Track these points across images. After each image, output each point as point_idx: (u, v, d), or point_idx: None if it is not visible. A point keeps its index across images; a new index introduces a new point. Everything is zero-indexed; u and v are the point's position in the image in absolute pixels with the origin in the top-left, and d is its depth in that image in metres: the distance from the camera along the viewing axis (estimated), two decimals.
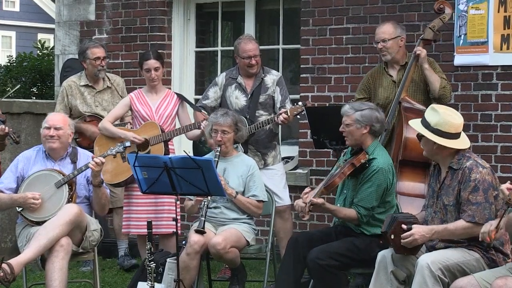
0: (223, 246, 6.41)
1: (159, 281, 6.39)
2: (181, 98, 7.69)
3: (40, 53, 13.54)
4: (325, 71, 8.32)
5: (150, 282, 6.04)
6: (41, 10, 31.19)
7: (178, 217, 6.27)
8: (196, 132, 7.39)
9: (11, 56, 15.13)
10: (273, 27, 9.20)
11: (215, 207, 6.74)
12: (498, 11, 7.50)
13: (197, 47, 9.38)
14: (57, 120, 6.64)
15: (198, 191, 6.10)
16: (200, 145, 7.75)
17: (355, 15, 8.16)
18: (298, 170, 8.45)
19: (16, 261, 6.11)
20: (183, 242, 6.56)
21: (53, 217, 6.30)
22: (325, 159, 8.22)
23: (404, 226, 5.50)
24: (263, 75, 7.50)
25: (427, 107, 6.80)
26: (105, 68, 8.22)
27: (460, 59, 7.69)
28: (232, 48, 8.07)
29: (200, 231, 6.44)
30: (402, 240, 5.47)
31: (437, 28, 7.01)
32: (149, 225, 6.08)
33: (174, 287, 6.15)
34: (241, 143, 7.08)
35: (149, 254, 6.04)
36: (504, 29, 7.48)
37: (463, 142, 5.58)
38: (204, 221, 6.47)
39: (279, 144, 7.79)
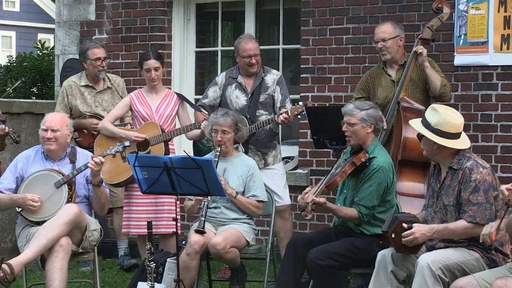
0: (223, 246, 6.41)
1: (159, 281, 6.39)
2: (181, 98, 7.69)
3: (40, 53, 13.53)
4: (325, 71, 8.32)
5: (150, 282, 6.04)
6: (41, 10, 31.19)
7: (178, 217, 6.27)
8: (196, 132, 7.39)
9: (11, 56, 15.13)
10: (273, 27, 9.20)
11: (215, 207, 6.74)
12: (498, 11, 7.50)
13: (197, 47, 9.38)
14: (54, 121, 6.61)
15: (198, 191, 6.10)
16: (200, 145, 7.75)
17: (355, 15, 8.16)
18: (298, 170, 8.45)
19: (16, 261, 6.11)
20: (183, 242, 6.56)
21: (53, 217, 6.30)
22: (325, 159, 8.22)
23: (404, 225, 5.50)
24: (263, 74, 7.50)
25: (426, 106, 6.84)
26: (105, 68, 8.22)
27: (460, 59, 7.69)
28: (232, 48, 8.07)
29: (200, 231, 6.44)
30: (403, 239, 5.47)
31: (436, 27, 7.01)
32: (149, 225, 6.08)
33: (174, 287, 6.15)
34: (241, 143, 7.07)
35: (149, 254, 6.04)
36: (504, 29, 7.48)
37: (464, 142, 5.58)
38: (204, 221, 6.47)
39: (279, 144, 7.79)
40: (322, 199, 6.01)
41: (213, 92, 7.58)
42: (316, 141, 7.28)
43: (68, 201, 6.44)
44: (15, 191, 6.55)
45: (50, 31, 23.35)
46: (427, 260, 5.33)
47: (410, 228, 5.48)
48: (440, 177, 5.64)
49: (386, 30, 7.05)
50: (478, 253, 5.45)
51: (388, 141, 6.90)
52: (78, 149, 6.83)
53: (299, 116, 7.23)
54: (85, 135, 8.07)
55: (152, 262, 6.04)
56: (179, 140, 8.54)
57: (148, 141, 7.40)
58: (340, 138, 6.81)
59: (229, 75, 7.57)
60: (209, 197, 6.47)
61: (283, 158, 8.09)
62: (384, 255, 5.65)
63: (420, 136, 5.62)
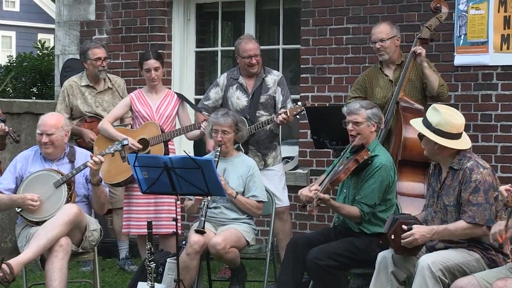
0: (223, 246, 6.40)
1: (159, 281, 6.39)
2: (181, 98, 7.69)
3: (40, 53, 13.53)
4: (325, 71, 8.32)
5: (150, 282, 6.04)
6: (41, 10, 31.19)
7: (179, 217, 6.27)
8: (196, 132, 7.39)
9: (11, 56, 15.12)
10: (273, 27, 9.20)
11: (215, 207, 6.74)
12: (498, 11, 7.50)
13: (197, 47, 9.38)
14: (48, 125, 6.57)
15: (198, 191, 6.10)
16: (203, 149, 7.76)
17: (355, 15, 8.16)
18: (298, 170, 8.45)
19: (16, 261, 6.11)
20: (183, 242, 6.56)
21: (53, 217, 6.30)
22: (325, 159, 8.22)
23: (404, 227, 5.49)
24: (264, 75, 7.50)
25: (424, 106, 6.88)
26: (106, 68, 8.21)
27: (460, 59, 7.69)
28: (232, 48, 8.07)
29: (200, 231, 6.44)
30: (402, 240, 5.47)
31: (434, 27, 7.01)
32: (149, 225, 6.08)
33: (174, 287, 6.15)
34: (241, 144, 7.07)
35: (149, 254, 6.04)
36: (504, 29, 7.48)
37: (464, 143, 5.57)
38: (204, 221, 6.47)
39: (279, 145, 7.78)
40: (327, 196, 6.02)
41: (215, 94, 7.57)
42: (316, 141, 7.28)
43: (68, 201, 6.44)
44: (15, 191, 6.54)
45: (50, 31, 23.35)
46: (428, 261, 5.32)
47: (410, 229, 5.47)
48: (441, 177, 5.63)
49: (383, 30, 7.06)
50: (478, 254, 5.45)
51: (386, 140, 6.90)
52: (77, 149, 6.83)
53: (298, 116, 7.23)
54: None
55: (152, 262, 6.04)
56: (179, 140, 8.54)
57: (148, 141, 7.40)
58: (340, 138, 6.82)
59: (230, 76, 7.57)
60: (209, 197, 6.47)
61: (283, 158, 8.09)
62: (385, 256, 5.65)
63: (421, 136, 5.62)
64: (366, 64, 7.99)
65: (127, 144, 6.93)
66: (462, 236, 5.46)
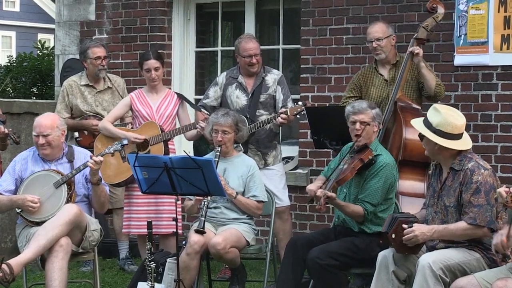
0: (223, 246, 6.40)
1: (159, 281, 6.39)
2: (182, 98, 7.69)
3: (40, 53, 13.52)
4: (325, 71, 8.32)
5: (150, 282, 6.04)
6: (41, 10, 31.18)
7: (179, 217, 6.26)
8: (194, 131, 7.39)
9: (11, 56, 15.12)
10: (273, 27, 9.20)
11: (215, 207, 6.73)
12: (498, 11, 7.50)
13: (197, 47, 9.38)
14: (44, 126, 6.55)
15: (198, 191, 6.09)
16: (202, 147, 7.75)
17: (355, 15, 8.16)
18: (298, 170, 8.45)
19: (16, 262, 6.10)
20: (183, 242, 6.56)
21: (53, 217, 6.30)
22: (325, 159, 8.21)
23: (404, 226, 5.49)
24: (264, 74, 7.50)
25: (420, 106, 6.89)
26: (105, 67, 8.21)
27: (460, 59, 7.69)
28: (232, 48, 8.07)
29: (200, 231, 6.44)
30: (403, 237, 5.47)
31: (431, 27, 7.01)
32: (149, 225, 6.08)
33: (174, 287, 6.15)
34: (241, 143, 7.07)
35: (149, 254, 6.04)
36: (504, 29, 7.48)
37: (465, 143, 5.56)
38: (204, 221, 6.47)
39: (279, 144, 7.78)
40: (333, 194, 6.04)
41: (213, 92, 7.58)
42: (316, 141, 7.28)
43: (68, 201, 6.44)
44: (14, 192, 6.53)
45: (50, 31, 23.34)
46: (428, 260, 5.33)
47: (410, 227, 5.48)
48: (441, 177, 5.63)
49: (380, 29, 7.07)
50: (479, 253, 5.45)
51: (383, 140, 6.89)
52: (76, 148, 6.82)
53: (298, 116, 7.23)
54: (86, 135, 8.07)
55: (152, 262, 6.04)
56: (179, 140, 8.54)
57: (148, 141, 7.40)
58: (340, 138, 6.82)
59: (229, 75, 7.57)
60: (209, 197, 6.47)
61: (283, 158, 8.09)
62: (385, 255, 5.65)
63: (422, 136, 5.62)
64: (366, 64, 7.98)
65: (127, 144, 6.92)
66: (462, 237, 5.45)
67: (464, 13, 7.62)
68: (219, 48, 9.31)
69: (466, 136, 5.60)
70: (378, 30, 7.06)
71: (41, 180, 6.49)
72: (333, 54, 8.28)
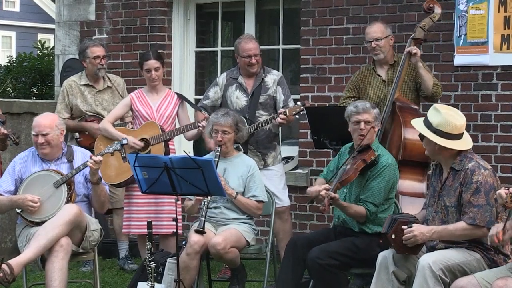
0: (223, 246, 6.40)
1: (159, 281, 6.39)
2: (182, 98, 7.70)
3: (40, 53, 13.52)
4: (325, 71, 8.32)
5: (150, 282, 6.04)
6: (41, 10, 31.18)
7: (179, 217, 6.26)
8: (194, 131, 7.39)
9: (11, 56, 15.12)
10: (273, 27, 9.20)
11: (215, 207, 6.74)
12: (498, 11, 7.50)
13: (197, 47, 9.39)
14: (43, 125, 6.55)
15: (198, 191, 6.09)
16: (202, 149, 7.75)
17: (355, 15, 8.16)
18: (298, 170, 8.45)
19: (16, 262, 6.10)
20: (183, 242, 6.56)
21: (53, 218, 6.30)
22: (325, 159, 8.21)
23: (404, 227, 5.50)
24: (263, 75, 7.50)
25: (418, 105, 6.89)
26: (105, 67, 8.21)
27: (460, 59, 7.70)
28: (232, 48, 8.07)
29: (200, 231, 6.44)
30: (403, 237, 5.47)
31: (428, 27, 7.01)
32: (149, 225, 6.08)
33: (174, 287, 6.15)
34: (241, 143, 7.07)
35: (149, 254, 6.03)
36: (504, 29, 7.48)
37: (465, 143, 5.56)
38: (204, 221, 6.47)
39: (279, 145, 7.78)
40: (337, 195, 6.04)
41: (214, 93, 7.58)
42: (316, 141, 7.28)
43: (68, 201, 6.44)
44: (14, 193, 6.53)
45: (50, 31, 23.34)
46: (428, 260, 5.33)
47: (410, 228, 5.48)
48: (442, 177, 5.63)
49: (378, 29, 7.08)
50: (479, 254, 5.45)
51: (381, 141, 6.89)
52: (75, 148, 6.82)
53: (297, 116, 7.22)
54: (86, 135, 8.07)
55: (152, 262, 6.04)
56: (179, 140, 8.54)
57: (148, 141, 7.40)
58: (340, 138, 6.82)
59: (230, 76, 7.57)
60: (209, 197, 6.47)
61: (283, 158, 8.09)
62: (385, 256, 5.65)
63: (422, 136, 5.62)
64: (366, 64, 7.99)
65: (127, 144, 6.93)
66: (462, 237, 5.45)
67: (464, 13, 7.62)
68: (219, 48, 9.31)
69: (466, 136, 5.60)
70: (376, 30, 7.07)
71: (41, 180, 6.49)
72: (333, 54, 8.28)
